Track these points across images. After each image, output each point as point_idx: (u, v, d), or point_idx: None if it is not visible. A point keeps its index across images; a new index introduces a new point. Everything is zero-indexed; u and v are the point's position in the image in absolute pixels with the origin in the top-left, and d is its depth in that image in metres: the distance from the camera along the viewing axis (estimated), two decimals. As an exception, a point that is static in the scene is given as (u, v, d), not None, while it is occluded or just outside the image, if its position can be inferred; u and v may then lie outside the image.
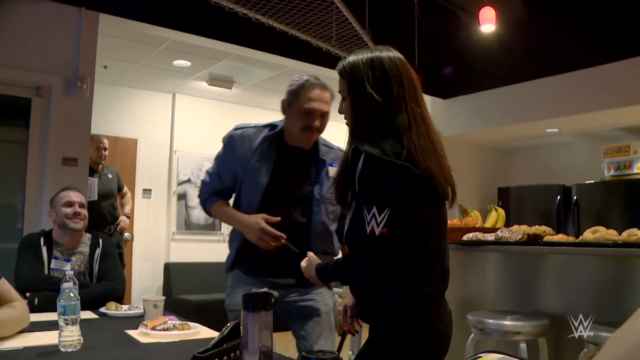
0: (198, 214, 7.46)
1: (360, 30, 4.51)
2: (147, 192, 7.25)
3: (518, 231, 3.41)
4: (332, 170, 2.33)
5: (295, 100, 2.32)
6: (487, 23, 5.09)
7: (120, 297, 2.79)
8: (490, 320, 3.07)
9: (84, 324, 1.90)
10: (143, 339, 1.99)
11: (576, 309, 3.13)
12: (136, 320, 2.27)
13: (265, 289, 1.30)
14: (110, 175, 5.29)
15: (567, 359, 3.11)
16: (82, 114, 4.30)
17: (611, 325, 2.65)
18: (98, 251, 2.93)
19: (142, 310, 2.47)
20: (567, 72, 5.72)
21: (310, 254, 1.92)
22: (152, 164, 7.31)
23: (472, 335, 3.21)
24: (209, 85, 6.86)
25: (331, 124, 2.46)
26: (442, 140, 1.75)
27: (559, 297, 3.30)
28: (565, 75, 5.75)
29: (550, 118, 6.03)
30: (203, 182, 2.53)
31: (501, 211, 4.25)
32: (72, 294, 1.81)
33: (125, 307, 2.65)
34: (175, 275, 6.96)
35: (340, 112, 1.78)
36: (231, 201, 2.53)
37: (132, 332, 2.10)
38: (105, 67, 6.16)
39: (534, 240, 3.38)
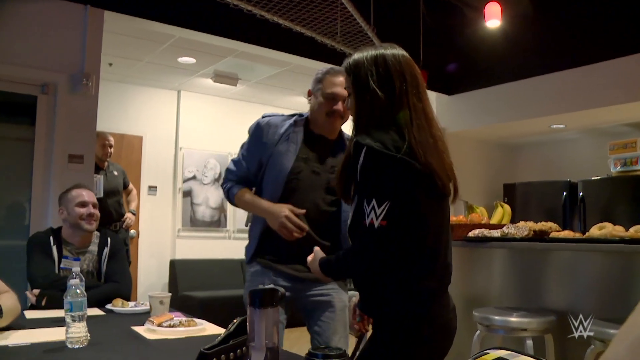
0: (203, 211, 7.47)
1: (365, 27, 4.50)
2: (152, 189, 7.27)
3: (524, 227, 3.40)
4: None
5: (320, 87, 2.41)
6: (493, 18, 5.06)
7: (126, 298, 2.78)
8: (496, 317, 3.07)
9: (91, 320, 1.90)
10: (149, 336, 2.00)
11: (583, 306, 3.12)
12: (142, 317, 2.28)
13: (271, 285, 1.30)
14: (115, 173, 5.31)
15: (574, 356, 3.10)
16: (87, 111, 4.31)
17: (618, 322, 2.64)
18: (106, 250, 2.90)
19: (148, 307, 2.47)
20: (573, 67, 5.69)
21: (317, 248, 1.94)
22: (157, 161, 7.32)
23: (478, 331, 3.21)
24: (214, 82, 6.86)
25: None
26: (447, 137, 1.78)
27: (565, 294, 3.29)
28: (571, 71, 5.72)
29: (556, 114, 6.00)
30: (227, 170, 2.53)
31: (507, 207, 4.24)
32: (78, 291, 1.82)
33: (131, 303, 2.65)
34: (181, 272, 6.98)
35: (347, 108, 1.85)
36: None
37: (138, 329, 2.11)
38: (110, 64, 6.17)
39: (540, 236, 3.37)
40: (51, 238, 2.83)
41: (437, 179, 1.65)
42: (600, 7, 5.38)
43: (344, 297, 2.48)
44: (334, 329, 2.40)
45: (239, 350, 1.39)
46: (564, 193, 6.57)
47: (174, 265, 7.04)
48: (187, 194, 7.41)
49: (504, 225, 3.65)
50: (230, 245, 7.60)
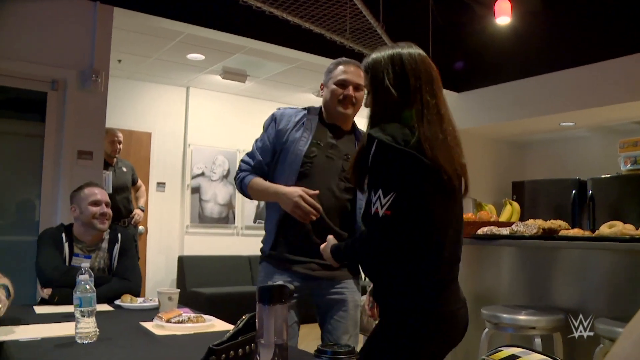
0: (212, 207, 7.49)
1: (374, 24, 4.49)
2: (161, 185, 7.29)
3: (533, 225, 3.38)
4: None
5: (331, 76, 2.48)
6: (503, 16, 5.04)
7: (136, 295, 2.78)
8: (505, 315, 3.06)
9: (100, 316, 1.91)
10: (158, 332, 2.01)
11: (592, 304, 3.11)
12: (151, 313, 2.29)
13: (280, 282, 1.30)
14: (124, 169, 5.32)
15: (582, 354, 3.09)
16: (97, 107, 4.33)
17: (628, 321, 2.63)
18: (117, 247, 2.89)
19: (157, 303, 2.47)
20: (583, 65, 5.66)
21: (330, 236, 2.00)
22: (166, 158, 7.34)
23: (486, 329, 3.20)
24: (223, 78, 6.87)
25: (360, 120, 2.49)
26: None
27: (574, 292, 3.27)
28: (581, 68, 5.69)
29: (565, 111, 5.97)
30: (241, 161, 2.53)
31: (516, 205, 4.22)
32: (88, 286, 1.83)
33: (140, 299, 2.66)
34: (189, 268, 7.00)
35: (365, 105, 1.90)
36: None
37: (147, 325, 2.11)
38: (119, 61, 6.19)
39: (549, 234, 3.35)
40: (63, 235, 2.81)
41: (444, 174, 1.68)
42: (610, 4, 5.34)
43: (357, 297, 2.48)
44: (345, 329, 2.41)
45: (247, 347, 1.39)
46: (573, 191, 6.54)
47: (182, 261, 7.06)
48: (196, 190, 7.43)
49: (513, 223, 3.63)
50: (238, 241, 7.61)
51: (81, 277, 1.83)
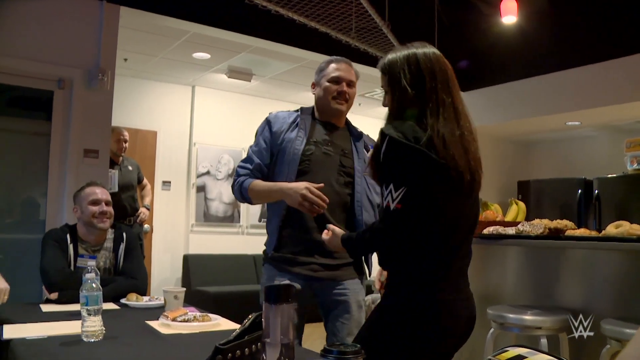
0: (217, 206, 7.50)
1: (380, 23, 4.48)
2: (166, 184, 7.30)
3: (539, 225, 3.37)
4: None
5: (323, 74, 2.52)
6: (509, 15, 5.03)
7: (142, 294, 2.79)
8: (511, 315, 3.05)
9: (106, 314, 1.92)
10: (164, 330, 2.01)
11: (598, 305, 3.10)
12: (157, 312, 2.29)
13: (287, 281, 1.30)
14: (130, 167, 5.33)
15: (589, 355, 3.08)
16: (103, 106, 4.34)
17: (635, 321, 2.62)
18: (122, 246, 2.89)
19: (162, 302, 2.48)
20: (589, 64, 5.64)
21: (331, 226, 2.03)
22: (171, 156, 7.35)
23: (492, 329, 3.19)
24: (229, 77, 6.87)
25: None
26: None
27: (581, 293, 3.26)
28: (587, 68, 5.67)
29: (571, 111, 5.95)
30: (238, 167, 2.51)
31: (522, 205, 4.21)
32: (94, 285, 1.83)
33: (145, 298, 2.67)
34: (194, 267, 7.00)
35: (384, 105, 1.92)
36: None
37: (152, 323, 2.12)
38: (125, 59, 6.20)
39: (555, 234, 3.34)
40: (68, 236, 2.81)
41: (453, 171, 1.71)
42: (616, 3, 5.32)
43: (360, 298, 2.48)
44: (349, 330, 2.40)
45: (254, 346, 1.39)
46: (579, 191, 6.52)
47: (188, 260, 7.07)
48: (201, 189, 7.44)
49: (519, 222, 3.62)
50: (243, 240, 7.62)
51: (87, 275, 1.84)
